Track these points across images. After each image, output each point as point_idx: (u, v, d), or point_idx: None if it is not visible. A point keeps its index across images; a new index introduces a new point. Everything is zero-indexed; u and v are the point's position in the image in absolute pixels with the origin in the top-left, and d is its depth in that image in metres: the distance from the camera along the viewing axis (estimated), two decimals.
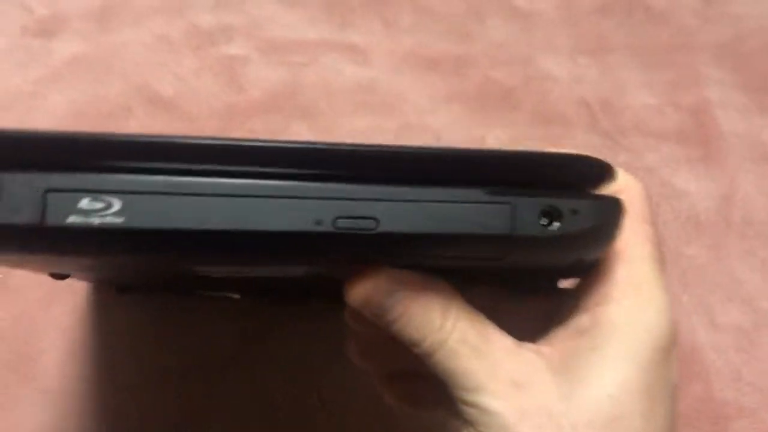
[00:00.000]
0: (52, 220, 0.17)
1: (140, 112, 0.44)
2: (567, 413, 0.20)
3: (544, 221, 0.19)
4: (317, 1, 0.49)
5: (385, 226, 0.18)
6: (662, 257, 0.23)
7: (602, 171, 0.20)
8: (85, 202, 0.17)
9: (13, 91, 0.45)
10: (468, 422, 0.21)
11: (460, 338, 0.21)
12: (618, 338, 0.21)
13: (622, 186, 0.24)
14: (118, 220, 0.17)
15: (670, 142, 0.48)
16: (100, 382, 0.36)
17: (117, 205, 0.17)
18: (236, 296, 0.38)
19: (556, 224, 0.19)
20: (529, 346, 0.22)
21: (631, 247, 0.23)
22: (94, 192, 0.17)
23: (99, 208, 0.17)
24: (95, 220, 0.17)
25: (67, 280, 0.36)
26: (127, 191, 0.17)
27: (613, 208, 0.20)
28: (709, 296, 0.43)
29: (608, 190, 0.22)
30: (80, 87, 0.45)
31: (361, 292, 0.21)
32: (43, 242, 0.17)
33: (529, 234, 0.19)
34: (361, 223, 0.18)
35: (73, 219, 0.17)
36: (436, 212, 0.18)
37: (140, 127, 0.43)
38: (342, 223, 0.18)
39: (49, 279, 0.38)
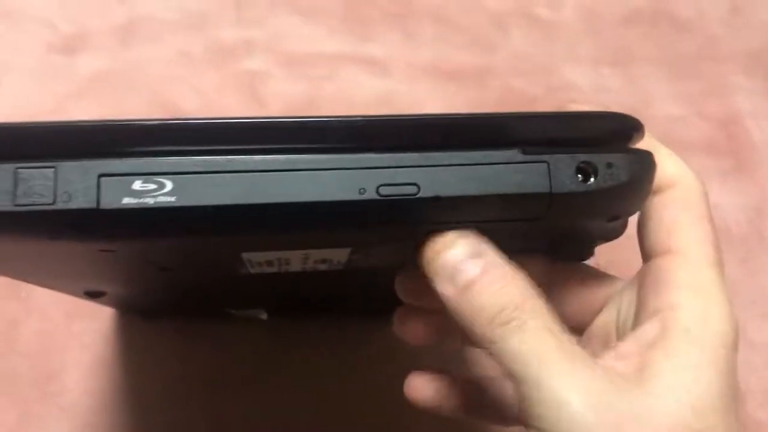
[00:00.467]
0: (107, 202, 0.17)
1: None
2: (649, 430, 0.18)
3: (580, 177, 0.19)
4: (337, 14, 0.49)
5: (426, 191, 0.19)
6: (720, 257, 0.22)
7: (632, 126, 0.20)
8: (138, 184, 0.17)
9: (37, 107, 0.45)
10: (536, 428, 0.19)
11: (542, 324, 0.19)
12: (694, 346, 0.20)
13: (679, 180, 0.23)
14: (171, 199, 0.18)
15: (698, 153, 0.47)
16: (121, 399, 0.36)
17: (169, 185, 0.18)
18: (263, 317, 0.38)
19: (593, 179, 0.19)
20: (603, 357, 0.21)
21: (693, 248, 0.21)
22: (146, 174, 0.18)
23: (151, 189, 0.18)
24: (149, 201, 0.17)
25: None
26: (178, 172, 0.18)
27: (646, 161, 0.20)
28: (742, 313, 0.42)
29: (665, 182, 0.22)
30: (104, 103, 0.45)
31: (439, 245, 0.20)
32: (100, 226, 0.18)
33: (567, 190, 0.19)
34: (403, 189, 0.19)
35: (127, 200, 0.17)
36: (474, 174, 0.19)
37: None
38: (385, 190, 0.18)
39: (72, 298, 0.38)
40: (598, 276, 0.26)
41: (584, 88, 0.48)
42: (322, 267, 0.24)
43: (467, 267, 0.20)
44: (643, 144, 0.21)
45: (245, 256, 0.22)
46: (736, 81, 0.49)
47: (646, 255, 0.23)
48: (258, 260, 0.23)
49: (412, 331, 0.28)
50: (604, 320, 0.25)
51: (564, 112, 0.20)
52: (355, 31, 0.49)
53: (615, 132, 0.20)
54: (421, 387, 0.28)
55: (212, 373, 0.37)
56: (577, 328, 0.26)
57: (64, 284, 0.29)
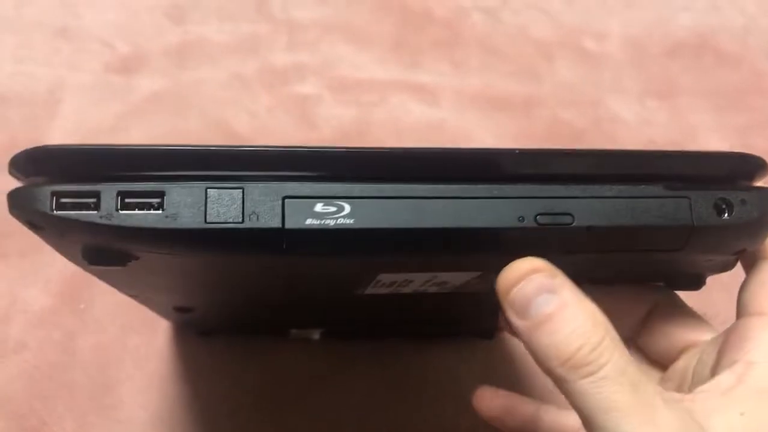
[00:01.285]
0: (291, 223, 0.19)
1: None
2: None
3: (717, 212, 0.21)
4: (387, 42, 0.50)
5: (581, 221, 0.20)
6: None
7: (759, 165, 0.22)
8: (319, 207, 0.19)
9: (95, 125, 0.46)
10: None
11: (619, 369, 0.19)
12: (764, 403, 0.21)
13: None
14: (350, 221, 0.19)
15: None
16: (174, 414, 0.37)
17: (347, 208, 0.19)
18: (316, 336, 0.38)
19: (727, 214, 0.21)
20: (675, 397, 0.21)
21: None
22: (327, 198, 0.19)
23: (332, 212, 0.19)
24: (330, 222, 0.19)
25: (148, 315, 0.38)
26: (356, 196, 0.19)
27: None
28: None
29: None
30: (159, 123, 0.46)
31: (513, 276, 0.20)
32: (283, 244, 0.19)
33: (706, 223, 0.21)
34: (559, 219, 0.20)
35: (310, 222, 0.19)
36: (624, 207, 0.20)
37: None
38: (542, 219, 0.20)
39: (128, 310, 0.39)
40: (696, 320, 0.27)
41: (630, 121, 0.48)
42: (433, 289, 0.25)
43: (540, 302, 0.20)
44: None
45: (381, 276, 0.23)
46: None
47: (740, 312, 0.24)
48: (387, 281, 0.24)
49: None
50: (685, 364, 0.25)
51: (701, 152, 0.22)
52: (404, 59, 0.50)
53: (744, 171, 0.22)
54: (489, 399, 0.30)
55: (263, 390, 0.38)
56: (659, 362, 0.27)
57: (158, 299, 0.30)
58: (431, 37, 0.51)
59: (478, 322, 0.37)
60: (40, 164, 0.19)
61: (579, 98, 0.49)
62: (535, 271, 0.20)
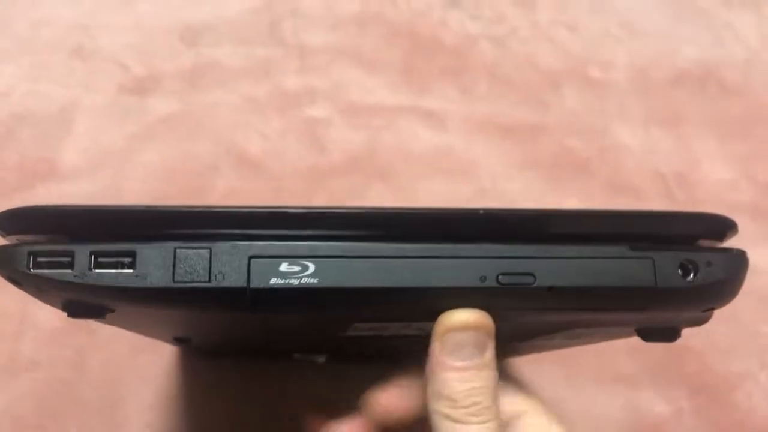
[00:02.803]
0: (256, 282, 0.19)
1: (228, 170, 0.46)
2: None
3: (682, 273, 0.21)
4: (397, 68, 0.51)
5: (542, 281, 0.20)
6: None
7: (727, 226, 0.22)
8: (284, 266, 0.19)
9: (108, 145, 0.47)
10: None
11: (495, 428, 0.22)
12: None
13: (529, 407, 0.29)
14: (313, 281, 0.19)
15: (744, 216, 0.48)
16: None
17: (312, 267, 0.19)
18: (321, 360, 0.39)
19: (692, 275, 0.21)
20: None
21: None
22: (292, 257, 0.19)
23: (296, 271, 0.19)
24: (294, 281, 0.19)
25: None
26: (319, 255, 0.20)
27: (740, 260, 0.22)
28: None
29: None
30: (172, 144, 0.47)
31: (459, 321, 0.21)
32: (248, 303, 0.19)
33: (670, 285, 0.21)
34: (521, 279, 0.20)
35: (274, 281, 0.19)
36: (586, 267, 0.20)
37: (227, 186, 0.45)
38: (504, 279, 0.20)
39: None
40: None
41: (635, 149, 0.49)
42: (413, 332, 0.26)
43: (469, 353, 0.22)
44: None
45: (357, 324, 0.24)
46: None
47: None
48: (365, 327, 0.24)
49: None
50: None
51: (667, 212, 0.22)
52: (413, 85, 0.51)
53: (712, 232, 0.22)
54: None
55: (268, 408, 0.38)
56: None
57: (158, 332, 0.31)
58: (440, 64, 0.52)
59: None
60: (20, 224, 0.19)
61: (585, 126, 0.50)
62: (479, 327, 0.21)
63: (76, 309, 0.20)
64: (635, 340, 0.41)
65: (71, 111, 0.48)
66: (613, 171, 0.48)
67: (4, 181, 0.44)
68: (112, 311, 0.20)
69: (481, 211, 0.20)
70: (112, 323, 0.27)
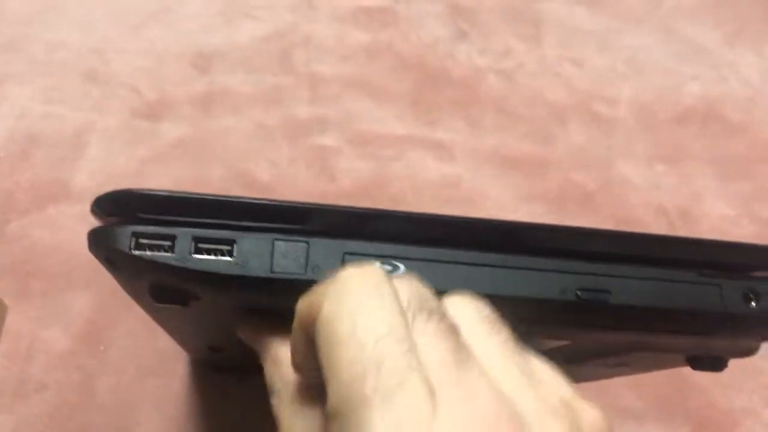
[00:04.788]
0: None
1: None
2: None
3: (746, 300, 0.22)
4: (406, 99, 0.52)
5: (618, 299, 0.21)
6: None
7: None
8: (376, 265, 0.20)
9: (120, 168, 0.48)
10: None
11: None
12: None
13: None
14: None
15: None
16: None
17: (402, 268, 0.20)
18: None
19: (756, 303, 0.22)
20: None
21: None
22: (384, 257, 0.20)
23: (387, 270, 0.20)
24: None
25: (166, 357, 0.38)
26: (410, 258, 0.20)
27: None
28: None
29: None
30: (183, 169, 0.48)
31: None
32: None
33: (734, 311, 0.22)
34: (598, 296, 0.21)
35: None
36: (659, 289, 0.22)
37: None
38: (582, 294, 0.21)
39: (146, 353, 0.40)
40: None
41: (639, 185, 0.50)
42: None
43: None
44: None
45: None
46: None
47: None
48: None
49: None
50: None
51: (734, 243, 0.23)
52: (421, 116, 0.51)
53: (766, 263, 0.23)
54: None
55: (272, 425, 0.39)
56: None
57: (194, 339, 0.31)
58: (448, 96, 0.53)
59: None
60: (120, 206, 0.20)
61: (591, 161, 0.50)
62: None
63: (165, 294, 0.20)
64: (640, 375, 0.42)
65: (84, 134, 0.49)
66: (617, 205, 0.49)
67: (17, 201, 0.45)
68: (198, 299, 0.21)
69: (566, 228, 0.22)
70: (173, 320, 0.27)
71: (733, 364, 0.44)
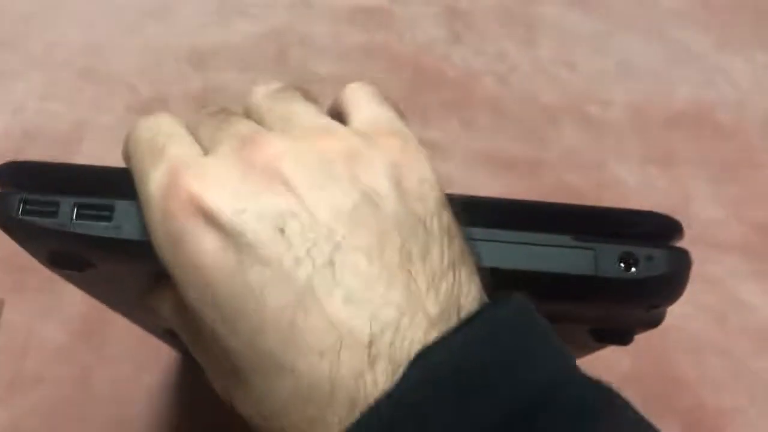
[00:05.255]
0: None
1: None
2: None
3: (622, 265, 0.21)
4: (400, 99, 0.52)
5: (485, 263, 0.21)
6: None
7: (672, 227, 0.23)
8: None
9: (115, 165, 0.48)
10: None
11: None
12: None
13: None
14: None
15: (734, 254, 0.49)
16: None
17: None
18: None
19: (633, 269, 0.21)
20: None
21: None
22: None
23: None
24: None
25: (162, 352, 0.38)
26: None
27: (683, 258, 0.22)
28: None
29: None
30: None
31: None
32: None
33: (609, 275, 0.21)
34: None
35: None
36: (529, 252, 0.21)
37: None
38: None
39: (143, 348, 0.40)
40: None
41: (631, 186, 0.50)
42: None
43: None
44: None
45: None
46: None
47: None
48: None
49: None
50: None
51: (612, 208, 0.23)
52: (416, 116, 0.52)
53: (657, 230, 0.23)
54: None
55: None
56: None
57: (143, 322, 0.32)
58: (442, 97, 0.53)
59: None
60: (14, 176, 0.21)
61: (584, 162, 0.51)
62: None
63: (59, 259, 0.22)
64: (629, 371, 0.42)
65: (80, 130, 0.49)
66: (609, 206, 0.49)
67: None
68: (94, 266, 0.22)
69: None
70: (108, 297, 0.28)
71: (723, 364, 0.44)
